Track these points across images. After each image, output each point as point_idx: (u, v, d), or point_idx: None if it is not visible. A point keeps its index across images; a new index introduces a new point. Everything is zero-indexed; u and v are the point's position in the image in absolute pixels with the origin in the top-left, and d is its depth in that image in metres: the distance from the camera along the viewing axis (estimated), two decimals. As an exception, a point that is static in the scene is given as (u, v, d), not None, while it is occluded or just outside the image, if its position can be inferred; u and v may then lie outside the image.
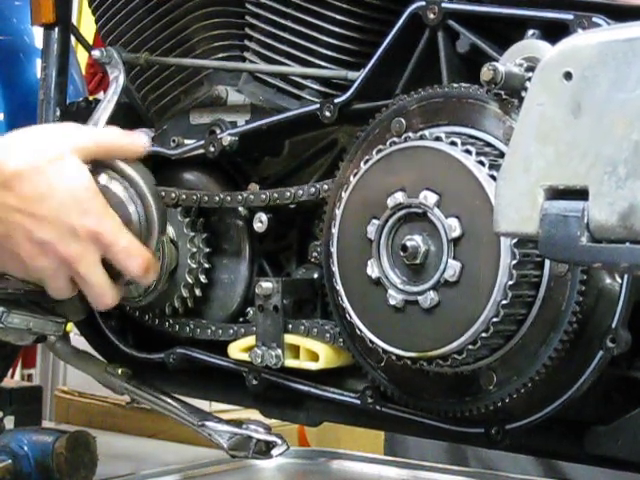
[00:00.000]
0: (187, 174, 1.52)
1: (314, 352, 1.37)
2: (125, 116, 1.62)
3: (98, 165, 1.36)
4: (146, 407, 1.64)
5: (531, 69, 1.15)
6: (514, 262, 1.12)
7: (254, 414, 1.60)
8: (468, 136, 1.20)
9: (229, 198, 1.45)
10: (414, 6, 1.29)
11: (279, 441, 1.42)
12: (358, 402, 1.37)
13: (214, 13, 1.50)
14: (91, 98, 1.71)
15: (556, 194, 0.89)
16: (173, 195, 1.48)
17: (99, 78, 2.77)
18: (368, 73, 1.34)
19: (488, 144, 1.19)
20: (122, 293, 1.35)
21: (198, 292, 1.49)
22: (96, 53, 1.55)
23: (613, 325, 1.16)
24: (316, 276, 1.42)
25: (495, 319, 1.14)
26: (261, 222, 1.43)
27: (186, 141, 1.50)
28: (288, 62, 1.43)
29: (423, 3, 1.28)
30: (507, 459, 2.09)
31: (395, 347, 1.21)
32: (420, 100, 1.25)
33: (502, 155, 1.16)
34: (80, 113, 1.63)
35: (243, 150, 1.45)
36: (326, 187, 1.36)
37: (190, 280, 1.48)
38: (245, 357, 1.43)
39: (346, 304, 1.25)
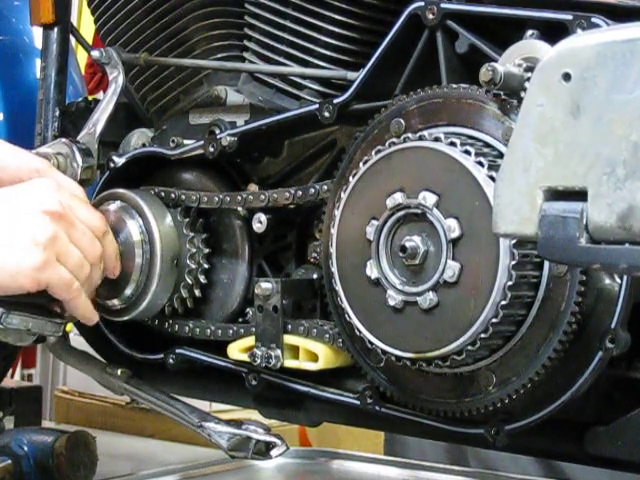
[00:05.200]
0: (186, 174, 1.52)
1: (313, 352, 1.37)
2: (124, 116, 1.62)
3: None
4: (146, 407, 1.64)
5: (530, 69, 1.15)
6: (513, 263, 1.12)
7: (254, 414, 1.60)
8: (467, 137, 1.20)
9: (228, 198, 1.45)
10: (413, 6, 1.29)
11: (278, 442, 1.42)
12: (357, 402, 1.37)
13: (213, 13, 1.50)
14: (90, 98, 1.71)
15: (555, 195, 0.89)
16: (173, 195, 1.48)
17: (98, 78, 2.77)
18: (367, 73, 1.34)
19: (487, 145, 1.19)
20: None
21: (197, 292, 1.49)
22: (95, 53, 1.55)
23: (612, 325, 1.16)
24: (315, 276, 1.42)
25: (494, 320, 1.14)
26: (260, 222, 1.43)
27: (185, 141, 1.50)
28: (287, 62, 1.43)
29: (422, 3, 1.28)
30: (507, 459, 2.09)
31: (394, 348, 1.21)
32: (419, 100, 1.25)
33: (501, 156, 1.16)
34: (79, 113, 1.63)
35: (242, 150, 1.45)
36: (325, 187, 1.36)
37: (189, 281, 1.48)
38: (244, 357, 1.42)
39: (345, 305, 1.25)
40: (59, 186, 1.32)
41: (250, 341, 1.42)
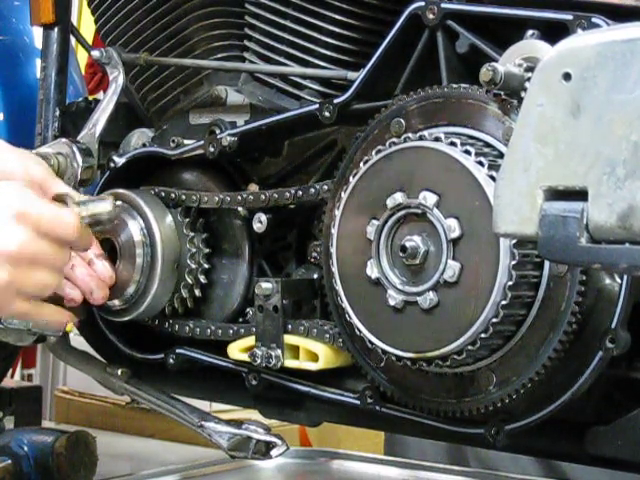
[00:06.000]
0: (186, 174, 1.52)
1: (314, 352, 1.37)
2: (124, 116, 1.62)
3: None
4: (146, 407, 1.64)
5: (530, 69, 1.15)
6: (513, 263, 1.12)
7: (254, 414, 1.60)
8: (467, 136, 1.20)
9: (229, 198, 1.45)
10: (413, 6, 1.29)
11: (278, 442, 1.42)
12: (357, 402, 1.37)
13: (214, 13, 1.50)
14: (91, 98, 1.71)
15: (555, 195, 0.89)
16: (173, 195, 1.48)
17: (99, 78, 2.77)
18: (367, 73, 1.34)
19: (487, 144, 1.19)
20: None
21: (198, 292, 1.49)
22: (95, 53, 1.55)
23: (612, 325, 1.16)
24: (316, 276, 1.42)
25: (494, 320, 1.14)
26: (260, 222, 1.43)
27: (186, 141, 1.50)
28: (288, 62, 1.43)
29: (422, 3, 1.28)
30: (507, 459, 2.08)
31: (394, 348, 1.21)
32: (419, 100, 1.25)
33: (501, 155, 1.16)
34: (79, 113, 1.64)
35: (243, 150, 1.45)
36: (325, 187, 1.36)
37: (190, 280, 1.48)
38: (245, 357, 1.42)
39: (345, 304, 1.25)
40: (23, 204, 1.18)
41: (250, 341, 1.42)
